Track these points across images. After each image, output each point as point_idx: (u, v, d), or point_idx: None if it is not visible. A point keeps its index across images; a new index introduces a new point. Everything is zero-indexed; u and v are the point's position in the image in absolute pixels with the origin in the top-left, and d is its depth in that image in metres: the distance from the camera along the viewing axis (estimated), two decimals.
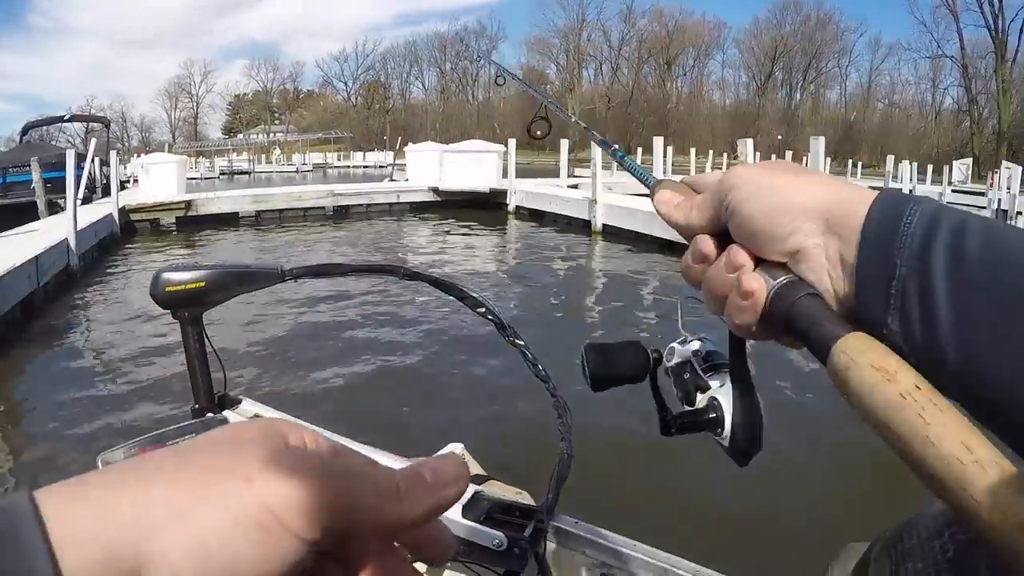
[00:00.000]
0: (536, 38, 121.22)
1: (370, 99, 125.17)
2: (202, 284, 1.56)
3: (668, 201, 0.63)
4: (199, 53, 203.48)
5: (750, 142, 12.93)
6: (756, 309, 0.54)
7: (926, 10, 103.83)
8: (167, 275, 1.54)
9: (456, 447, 2.04)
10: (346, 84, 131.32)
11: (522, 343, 1.61)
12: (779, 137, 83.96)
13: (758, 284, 0.53)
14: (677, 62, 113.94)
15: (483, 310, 1.66)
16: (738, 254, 0.55)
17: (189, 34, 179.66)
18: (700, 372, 0.78)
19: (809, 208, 0.52)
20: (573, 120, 1.31)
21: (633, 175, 0.80)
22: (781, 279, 0.53)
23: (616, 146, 0.95)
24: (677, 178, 0.71)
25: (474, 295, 1.68)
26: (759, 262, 0.55)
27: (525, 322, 8.61)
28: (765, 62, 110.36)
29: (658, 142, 21.72)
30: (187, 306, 1.61)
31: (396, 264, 1.77)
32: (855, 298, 0.50)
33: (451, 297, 1.69)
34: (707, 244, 0.57)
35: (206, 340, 1.67)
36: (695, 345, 0.80)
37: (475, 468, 1.96)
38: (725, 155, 67.57)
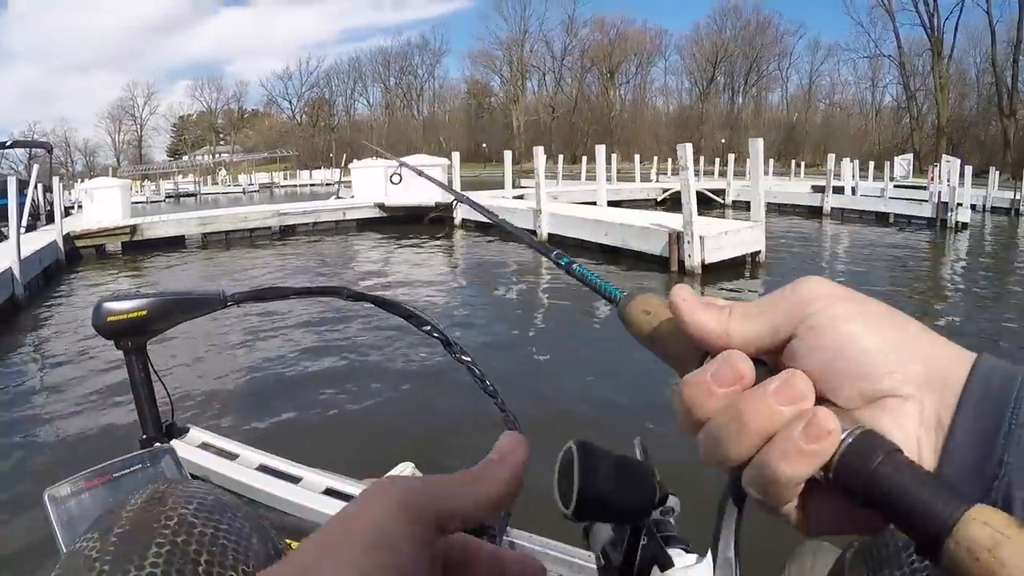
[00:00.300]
0: (479, 51, 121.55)
1: (315, 117, 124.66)
2: (144, 313, 1.55)
3: (691, 298, 0.49)
4: (142, 75, 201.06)
5: (689, 147, 13.10)
6: (822, 457, 0.42)
7: (863, 11, 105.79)
8: (108, 305, 1.54)
9: (407, 466, 2.02)
10: (291, 102, 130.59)
11: (468, 359, 1.63)
12: (723, 140, 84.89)
13: (834, 425, 0.41)
14: (620, 70, 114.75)
15: (428, 328, 1.66)
16: (801, 380, 0.43)
17: (131, 56, 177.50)
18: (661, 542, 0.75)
19: (915, 350, 0.44)
20: (499, 219, 1.30)
21: (596, 291, 0.70)
22: (858, 428, 0.41)
23: (564, 256, 0.89)
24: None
25: (419, 313, 1.69)
26: (818, 401, 0.44)
27: (474, 336, 8.66)
28: (707, 67, 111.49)
29: (600, 150, 22.04)
30: (130, 335, 1.59)
31: (340, 286, 1.78)
32: (941, 467, 0.41)
33: (396, 316, 1.72)
34: (744, 362, 0.45)
35: (151, 369, 1.66)
36: (673, 503, 0.73)
37: None
38: (669, 160, 68.16)
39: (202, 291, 1.67)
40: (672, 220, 13.72)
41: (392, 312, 1.71)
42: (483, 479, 0.40)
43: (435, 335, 1.65)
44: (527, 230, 15.15)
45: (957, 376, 0.42)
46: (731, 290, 11.80)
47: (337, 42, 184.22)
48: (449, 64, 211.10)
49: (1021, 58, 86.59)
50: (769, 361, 0.47)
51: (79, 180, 48.72)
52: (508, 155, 26.71)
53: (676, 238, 12.69)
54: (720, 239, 12.86)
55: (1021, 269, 16.26)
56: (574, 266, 0.82)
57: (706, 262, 12.53)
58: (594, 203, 22.57)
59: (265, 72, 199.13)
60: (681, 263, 12.68)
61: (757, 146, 14.35)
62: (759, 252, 13.79)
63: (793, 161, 58.81)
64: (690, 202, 12.59)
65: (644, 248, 13.67)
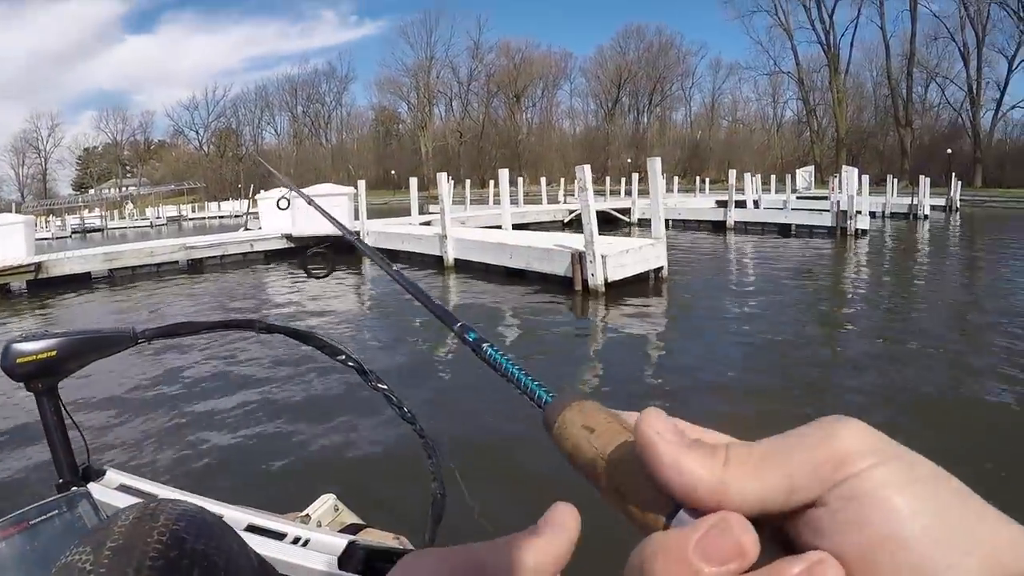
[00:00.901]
0: (386, 78, 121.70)
1: (222, 147, 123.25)
2: (54, 353, 1.51)
3: (669, 430, 0.37)
4: (45, 105, 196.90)
5: (587, 168, 13.25)
6: None
7: (762, 31, 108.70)
8: (16, 346, 1.50)
9: (328, 497, 2.01)
10: (198, 133, 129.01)
11: (385, 387, 1.61)
12: (628, 160, 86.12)
13: None
14: (526, 94, 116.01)
15: (343, 357, 1.64)
16: (832, 569, 0.32)
17: (34, 85, 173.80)
18: None
19: (973, 534, 0.33)
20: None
21: (515, 385, 0.57)
22: None
23: (471, 331, 0.74)
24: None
25: (332, 343, 1.66)
26: None
27: (389, 364, 8.67)
28: (611, 89, 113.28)
29: (503, 174, 22.13)
30: (40, 377, 1.54)
31: (252, 319, 1.74)
32: None
33: (311, 347, 1.69)
34: (747, 533, 0.34)
35: (63, 411, 1.61)
36: None
37: (350, 517, 1.99)
38: (576, 182, 68.84)
39: (112, 329, 1.64)
40: (574, 241, 13.89)
41: (306, 343, 1.69)
42: (529, 548, 0.35)
43: (350, 364, 1.63)
44: (434, 256, 15.28)
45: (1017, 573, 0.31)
46: (636, 306, 11.91)
47: (244, 70, 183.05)
48: (356, 91, 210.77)
49: (915, 70, 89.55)
50: (774, 527, 0.36)
51: None
52: (414, 182, 26.78)
53: (579, 258, 12.84)
54: (622, 257, 13.04)
55: (913, 270, 16.91)
56: (484, 346, 0.67)
57: (609, 280, 12.67)
58: (500, 227, 22.73)
59: (171, 102, 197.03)
60: (585, 282, 12.80)
61: (655, 165, 14.62)
62: (662, 268, 14.01)
63: (698, 178, 59.88)
64: (590, 222, 12.74)
65: (548, 269, 13.79)
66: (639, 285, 13.38)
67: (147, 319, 13.04)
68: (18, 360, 1.49)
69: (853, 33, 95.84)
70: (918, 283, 15.19)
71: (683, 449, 0.36)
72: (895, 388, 7.38)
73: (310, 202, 1.91)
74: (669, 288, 13.67)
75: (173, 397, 7.61)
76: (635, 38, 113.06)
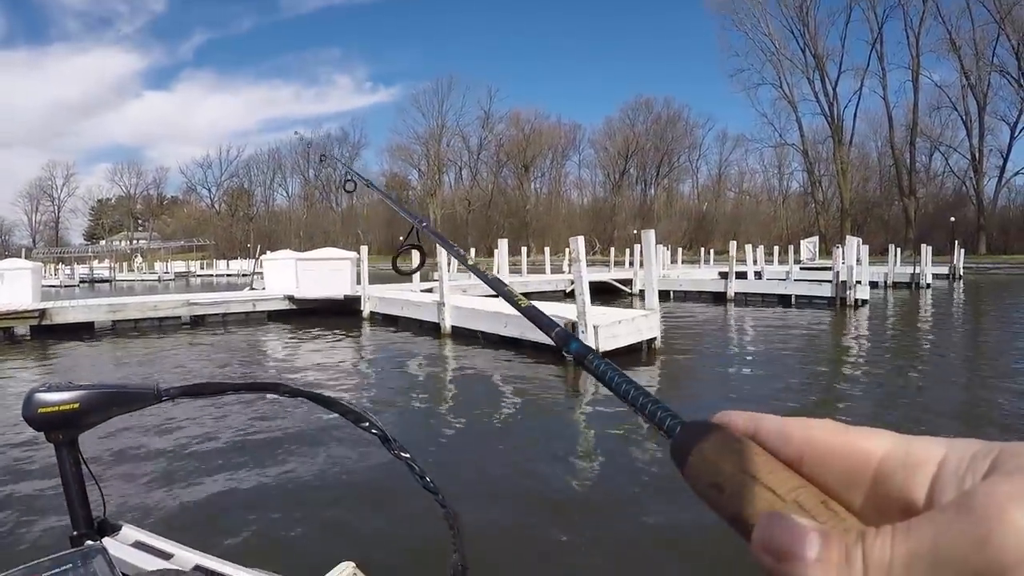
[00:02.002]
0: (398, 145, 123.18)
1: (234, 206, 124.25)
2: (76, 406, 1.50)
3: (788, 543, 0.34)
4: (62, 155, 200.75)
5: (581, 239, 13.40)
6: None
7: (766, 103, 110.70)
8: (40, 396, 1.49)
9: (347, 565, 1.94)
10: (210, 191, 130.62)
11: (407, 456, 1.62)
12: (635, 231, 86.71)
13: None
14: (534, 164, 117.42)
15: (366, 424, 1.65)
16: None
17: (52, 135, 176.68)
18: None
19: None
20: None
21: (636, 409, 0.56)
22: None
23: (576, 345, 0.70)
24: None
25: (356, 410, 1.66)
26: None
27: (396, 431, 8.70)
28: (619, 160, 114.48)
29: (502, 243, 22.33)
30: (61, 428, 1.53)
31: (278, 382, 1.73)
32: None
33: (334, 413, 1.68)
34: None
35: (83, 463, 1.61)
36: None
37: None
38: (569, 253, 68.96)
39: (137, 385, 1.64)
40: (569, 311, 14.01)
41: (330, 409, 1.68)
42: None
43: (373, 431, 1.64)
44: (432, 323, 15.44)
45: None
46: (629, 375, 11.95)
47: (258, 131, 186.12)
48: (368, 157, 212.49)
49: (918, 140, 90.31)
50: None
51: None
52: (416, 252, 27.06)
53: (571, 328, 12.92)
54: (614, 327, 13.18)
55: (908, 339, 16.97)
56: (591, 358, 0.66)
57: (601, 350, 12.60)
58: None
59: (185, 158, 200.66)
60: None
61: (648, 237, 14.83)
62: (654, 339, 14.14)
63: (703, 249, 60.09)
64: (583, 293, 12.89)
65: (542, 339, 13.67)
66: (632, 355, 13.46)
67: (156, 374, 13.18)
68: (40, 410, 1.49)
69: (856, 104, 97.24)
70: (912, 352, 15.26)
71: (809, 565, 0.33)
72: None
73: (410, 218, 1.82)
74: (661, 359, 13.75)
75: (192, 454, 7.60)
76: (643, 110, 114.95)
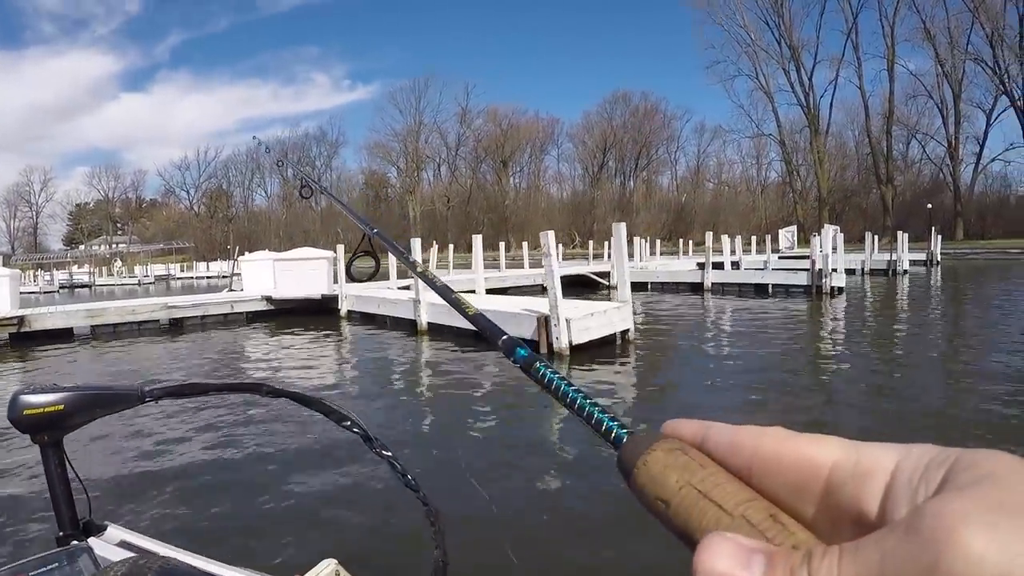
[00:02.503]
0: (376, 142, 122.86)
1: (213, 208, 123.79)
2: (61, 407, 1.51)
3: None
4: (38, 159, 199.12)
5: (551, 234, 13.46)
6: None
7: (743, 95, 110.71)
8: (24, 398, 1.50)
9: (330, 562, 1.92)
10: (188, 193, 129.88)
11: (389, 454, 1.61)
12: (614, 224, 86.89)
13: None
14: (513, 159, 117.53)
15: (348, 423, 1.64)
16: None
17: (28, 139, 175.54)
18: None
19: None
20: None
21: (582, 419, 0.54)
22: None
23: (522, 348, 0.72)
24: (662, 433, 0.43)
25: (338, 409, 1.65)
26: None
27: (376, 428, 8.70)
28: (597, 154, 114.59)
29: (477, 239, 22.33)
30: (46, 430, 1.54)
31: (259, 382, 1.73)
32: None
33: (316, 412, 1.68)
34: None
35: (67, 464, 1.61)
36: None
37: None
38: (561, 246, 69.05)
39: (121, 386, 1.64)
40: (541, 304, 14.13)
41: (311, 408, 1.68)
42: None
43: (355, 430, 1.63)
44: (408, 320, 15.48)
45: None
46: (601, 368, 12.11)
47: (236, 131, 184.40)
48: (346, 155, 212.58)
49: (895, 128, 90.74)
50: None
51: None
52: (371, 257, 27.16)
53: (544, 322, 13.11)
54: (587, 320, 13.27)
55: (882, 324, 17.10)
56: (539, 366, 0.65)
57: (574, 343, 12.90)
58: (474, 291, 22.96)
59: (163, 160, 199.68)
60: (550, 345, 13.00)
61: (620, 230, 14.94)
62: (628, 331, 14.25)
63: (681, 240, 60.27)
64: (554, 287, 13.01)
65: (516, 333, 13.69)
66: (605, 348, 13.57)
67: (137, 377, 13.19)
68: (25, 412, 1.49)
69: (832, 94, 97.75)
70: (887, 336, 15.53)
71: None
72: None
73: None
74: (635, 349, 13.88)
75: (175, 454, 7.62)
76: (621, 103, 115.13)
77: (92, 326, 20.55)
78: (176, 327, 21.71)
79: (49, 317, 19.95)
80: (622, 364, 12.64)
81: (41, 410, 1.50)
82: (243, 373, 13.67)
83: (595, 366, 12.27)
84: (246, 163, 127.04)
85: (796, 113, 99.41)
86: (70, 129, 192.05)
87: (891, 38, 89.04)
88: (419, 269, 1.31)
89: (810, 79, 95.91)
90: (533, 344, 13.31)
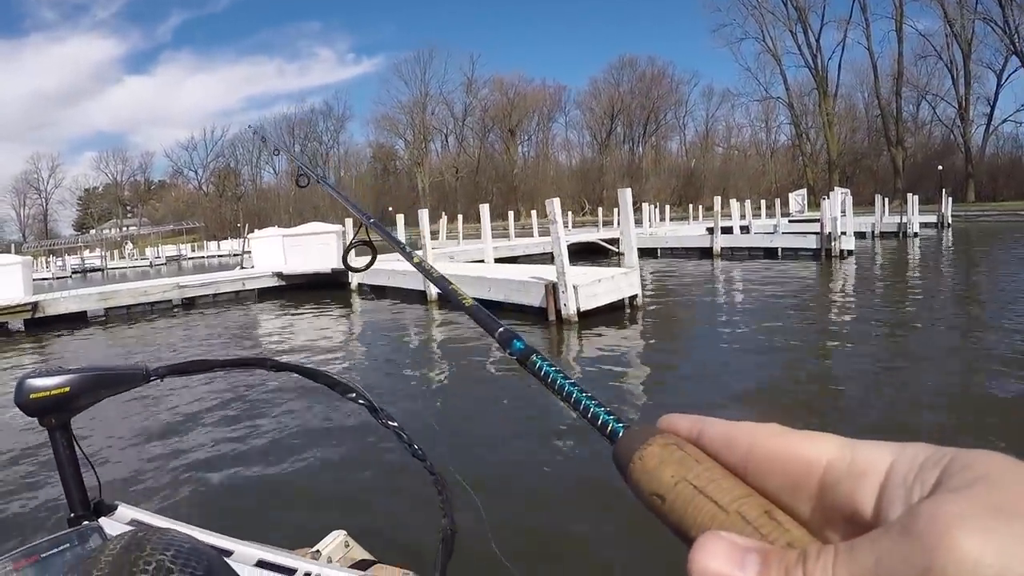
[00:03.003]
0: (382, 115, 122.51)
1: (221, 187, 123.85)
2: (67, 389, 1.52)
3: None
4: (45, 147, 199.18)
5: (557, 201, 13.48)
6: None
7: (750, 57, 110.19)
8: (31, 381, 1.50)
9: (339, 533, 1.97)
10: (196, 173, 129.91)
11: (395, 424, 1.62)
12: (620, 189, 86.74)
13: None
14: (520, 128, 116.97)
15: (354, 395, 1.64)
16: None
17: (33, 127, 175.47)
18: None
19: None
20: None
21: (579, 413, 0.53)
22: None
23: (519, 340, 0.72)
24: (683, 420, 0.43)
25: (343, 381, 1.67)
26: None
27: (385, 399, 8.78)
28: (605, 120, 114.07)
29: (484, 208, 22.34)
30: (53, 412, 1.54)
31: (263, 357, 1.73)
32: None
33: (321, 385, 1.69)
34: None
35: (76, 446, 1.61)
36: None
37: (360, 553, 1.96)
38: (570, 213, 69.08)
39: (125, 366, 1.64)
40: (549, 272, 14.18)
41: (317, 381, 1.69)
42: None
43: (360, 402, 1.64)
44: (418, 291, 15.56)
45: None
46: (609, 334, 12.18)
47: (241, 110, 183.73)
48: (354, 129, 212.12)
49: (904, 89, 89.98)
50: None
51: None
52: (401, 219, 27.12)
53: (552, 289, 13.16)
54: (594, 287, 13.33)
55: (891, 291, 16.93)
56: (534, 359, 0.66)
57: (581, 309, 12.96)
58: (483, 261, 23.07)
59: (170, 141, 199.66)
60: (558, 312, 13.07)
61: (625, 196, 14.94)
62: (636, 296, 14.31)
63: (691, 205, 60.09)
64: (561, 254, 13.08)
65: (525, 300, 14.12)
66: (614, 314, 13.64)
67: (150, 357, 13.30)
68: (32, 396, 1.50)
69: (840, 55, 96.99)
70: (895, 297, 15.49)
71: None
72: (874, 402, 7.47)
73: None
74: (644, 315, 13.92)
75: (183, 432, 7.65)
76: (628, 69, 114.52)
77: (106, 309, 20.69)
78: (189, 306, 21.91)
79: (63, 302, 20.11)
80: (630, 329, 12.69)
81: (47, 393, 1.50)
82: (257, 349, 13.81)
83: (603, 331, 12.32)
84: (253, 141, 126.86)
85: (804, 75, 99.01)
86: (75, 115, 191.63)
87: None
88: (415, 260, 1.29)
89: (817, 41, 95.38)
90: (541, 311, 13.43)
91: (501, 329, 0.77)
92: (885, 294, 16.55)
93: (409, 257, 1.32)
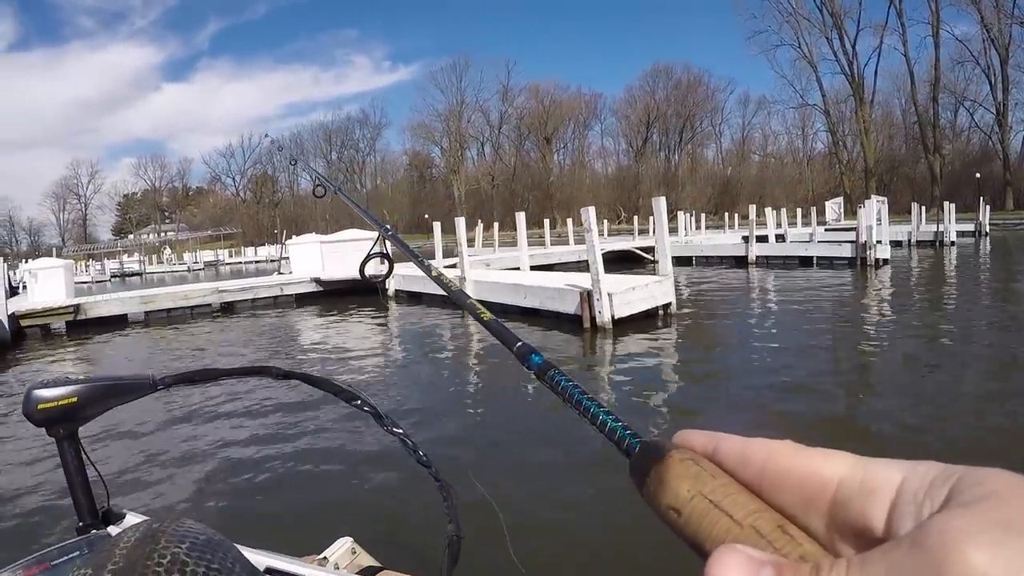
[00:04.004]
0: (418, 123, 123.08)
1: (259, 193, 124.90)
2: (74, 399, 1.51)
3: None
4: (85, 152, 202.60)
5: (592, 209, 13.63)
6: None
7: (786, 64, 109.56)
8: (38, 392, 1.50)
9: (345, 540, 1.98)
10: (234, 179, 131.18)
11: (400, 431, 1.63)
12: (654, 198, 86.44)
13: None
14: (556, 135, 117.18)
15: (359, 402, 1.65)
16: None
17: (73, 133, 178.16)
18: None
19: None
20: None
21: (595, 426, 0.55)
22: None
23: (537, 354, 0.75)
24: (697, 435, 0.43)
25: (348, 388, 1.66)
26: None
27: (412, 405, 8.81)
28: (641, 128, 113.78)
29: (520, 216, 22.52)
30: (61, 423, 1.54)
31: (268, 365, 1.74)
32: None
33: (327, 392, 1.69)
34: None
35: (84, 455, 1.61)
36: None
37: (367, 560, 1.97)
38: (606, 222, 69.00)
39: (132, 376, 1.64)
40: (585, 280, 14.27)
41: (322, 388, 1.68)
42: None
43: (365, 409, 1.64)
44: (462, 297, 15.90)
45: None
46: (643, 341, 12.26)
47: (278, 117, 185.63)
48: (390, 137, 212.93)
49: (941, 95, 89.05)
50: None
51: (24, 260, 48.78)
52: (437, 226, 27.28)
53: (586, 296, 13.30)
54: (628, 294, 13.45)
55: (926, 302, 16.92)
56: (552, 374, 0.68)
57: (616, 317, 13.08)
58: (519, 268, 23.12)
59: (208, 148, 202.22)
60: (593, 319, 13.17)
61: (660, 204, 15.05)
62: (669, 304, 14.40)
63: (727, 214, 59.87)
64: (596, 262, 13.22)
65: (560, 308, 14.26)
66: (647, 321, 13.72)
67: (169, 361, 13.69)
68: (39, 406, 1.49)
69: (877, 62, 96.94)
70: (931, 309, 15.34)
71: None
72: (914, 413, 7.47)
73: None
74: (678, 323, 14.00)
75: (191, 440, 7.67)
76: (663, 76, 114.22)
77: (146, 312, 21.09)
78: (227, 311, 22.23)
79: (104, 304, 20.55)
80: (664, 337, 12.75)
81: (55, 403, 1.50)
82: (294, 353, 13.99)
83: (637, 339, 12.40)
84: (290, 148, 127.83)
85: (840, 82, 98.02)
86: (114, 121, 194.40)
87: (935, 2, 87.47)
88: (434, 273, 1.33)
89: (853, 47, 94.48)
90: (577, 319, 13.57)
91: (519, 344, 0.80)
92: (920, 305, 16.51)
93: (427, 270, 1.38)
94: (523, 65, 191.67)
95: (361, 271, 1.75)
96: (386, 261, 1.75)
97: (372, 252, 1.73)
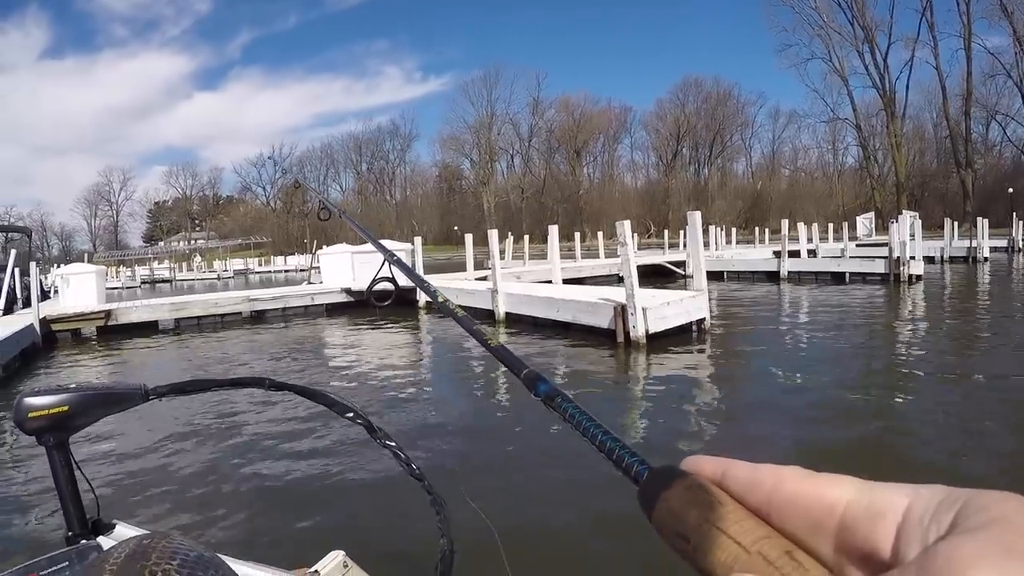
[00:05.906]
0: (449, 135, 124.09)
1: (289, 203, 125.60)
2: (66, 409, 1.50)
3: None
4: (117, 159, 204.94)
5: (627, 223, 13.56)
6: None
7: (817, 78, 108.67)
8: (29, 400, 1.49)
9: (337, 554, 1.94)
10: (264, 189, 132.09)
11: (393, 444, 1.62)
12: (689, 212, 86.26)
13: None
14: (586, 149, 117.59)
15: (351, 415, 1.64)
16: None
17: (107, 140, 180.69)
18: None
19: None
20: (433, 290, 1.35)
21: (603, 452, 0.55)
22: None
23: (545, 387, 0.75)
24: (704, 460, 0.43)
25: (341, 401, 1.65)
26: None
27: (425, 419, 8.85)
28: (671, 141, 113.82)
29: (552, 230, 22.53)
30: (51, 431, 1.53)
31: (261, 377, 1.72)
32: None
33: (320, 404, 1.69)
34: None
35: (74, 464, 1.60)
36: None
37: (359, 574, 1.95)
38: (636, 235, 68.83)
39: (124, 386, 1.63)
40: (618, 294, 14.23)
41: (314, 400, 1.68)
42: None
43: (358, 422, 1.64)
44: (486, 309, 15.71)
45: None
46: (677, 357, 12.19)
47: (310, 127, 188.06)
48: (420, 148, 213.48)
49: (973, 109, 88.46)
50: None
51: (56, 265, 49.35)
52: (469, 238, 27.36)
53: (620, 311, 13.22)
54: (663, 309, 13.36)
55: (960, 320, 16.61)
56: (558, 401, 0.69)
57: (650, 332, 12.99)
58: (551, 281, 23.10)
59: (239, 157, 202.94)
60: (627, 334, 13.10)
61: (694, 219, 15.04)
62: (703, 319, 14.27)
63: (758, 228, 59.64)
64: (631, 276, 13.10)
65: (593, 322, 14.18)
66: (681, 336, 13.63)
67: (193, 369, 13.77)
68: (30, 415, 1.48)
69: (908, 75, 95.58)
70: (964, 327, 15.15)
71: None
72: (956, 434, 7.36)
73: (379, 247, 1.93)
74: (711, 338, 13.92)
75: (182, 452, 7.65)
76: (693, 90, 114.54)
77: (176, 319, 21.20)
78: (258, 320, 22.36)
79: (135, 311, 20.70)
80: (698, 353, 12.68)
81: (46, 412, 1.49)
82: (324, 362, 14.06)
83: (672, 355, 12.33)
84: (321, 158, 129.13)
85: (871, 96, 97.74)
86: (146, 129, 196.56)
87: (967, 15, 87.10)
88: (440, 299, 1.31)
89: (885, 60, 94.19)
90: (610, 333, 13.52)
91: (527, 370, 0.79)
92: (954, 322, 16.32)
93: (434, 296, 1.35)
94: (553, 78, 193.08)
95: (367, 294, 1.78)
96: (392, 284, 1.76)
97: (378, 276, 1.76)
